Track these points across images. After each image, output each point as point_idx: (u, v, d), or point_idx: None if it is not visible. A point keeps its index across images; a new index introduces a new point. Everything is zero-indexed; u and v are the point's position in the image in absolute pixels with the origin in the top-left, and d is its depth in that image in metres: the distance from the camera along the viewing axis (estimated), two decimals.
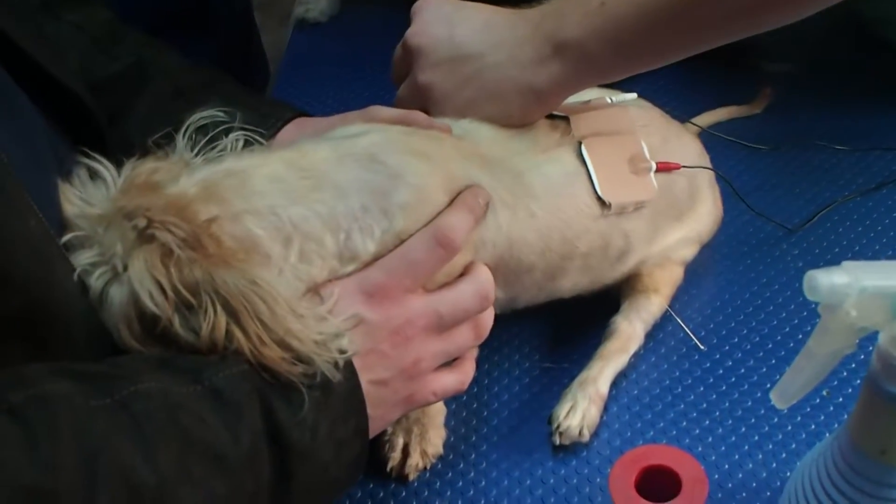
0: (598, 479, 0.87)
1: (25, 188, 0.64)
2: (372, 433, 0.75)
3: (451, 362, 0.81)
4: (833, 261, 1.03)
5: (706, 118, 1.20)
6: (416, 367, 0.76)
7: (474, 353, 0.84)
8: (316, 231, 0.74)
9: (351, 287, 0.75)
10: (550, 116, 0.92)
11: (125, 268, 0.68)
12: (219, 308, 0.67)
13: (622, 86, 1.01)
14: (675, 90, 1.28)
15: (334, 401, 0.70)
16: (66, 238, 0.70)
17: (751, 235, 1.08)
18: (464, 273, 0.80)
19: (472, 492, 0.87)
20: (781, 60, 1.30)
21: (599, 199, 0.88)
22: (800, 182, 1.14)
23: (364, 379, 0.73)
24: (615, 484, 0.76)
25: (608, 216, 0.89)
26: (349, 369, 0.72)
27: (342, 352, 0.70)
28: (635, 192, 0.90)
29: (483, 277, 0.80)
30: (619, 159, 0.91)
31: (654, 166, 0.92)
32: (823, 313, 0.61)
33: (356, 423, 0.72)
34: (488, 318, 0.81)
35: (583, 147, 0.88)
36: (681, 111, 1.20)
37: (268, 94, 1.40)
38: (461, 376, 0.81)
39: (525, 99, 0.88)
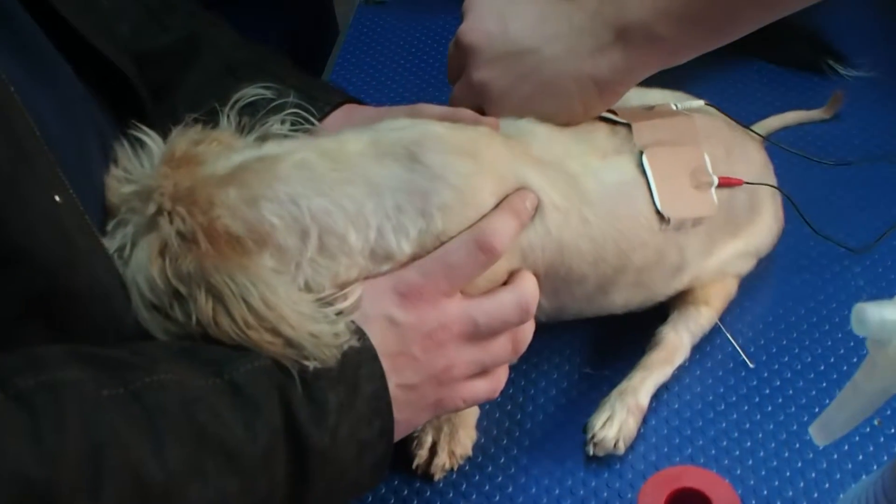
0: (630, 495, 0.84)
1: (58, 161, 0.63)
2: (398, 436, 0.73)
3: None
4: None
5: (773, 122, 1.16)
6: (446, 374, 0.74)
7: None
8: (337, 226, 0.72)
9: (384, 286, 0.73)
10: (611, 121, 0.88)
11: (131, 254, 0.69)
12: (204, 293, 0.66)
13: (689, 90, 0.97)
14: (742, 92, 1.24)
15: (359, 402, 0.68)
16: (110, 224, 0.71)
17: (811, 249, 1.04)
18: (508, 281, 0.78)
19: (498, 497, 0.85)
20: (858, 66, 1.25)
21: (658, 212, 0.84)
22: (867, 198, 1.09)
23: (392, 382, 0.71)
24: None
25: (666, 230, 0.85)
26: (377, 371, 0.70)
27: (359, 353, 0.69)
28: (695, 208, 0.87)
29: (527, 288, 0.77)
30: (680, 172, 0.87)
31: (716, 181, 0.88)
32: (872, 348, 0.58)
33: (381, 425, 0.70)
34: (528, 331, 0.79)
35: (644, 157, 0.85)
36: (748, 113, 1.16)
37: (327, 69, 1.37)
38: (493, 384, 0.79)
39: (586, 91, 0.85)
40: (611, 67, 0.84)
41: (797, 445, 0.86)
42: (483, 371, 0.78)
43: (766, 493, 0.83)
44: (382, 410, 0.70)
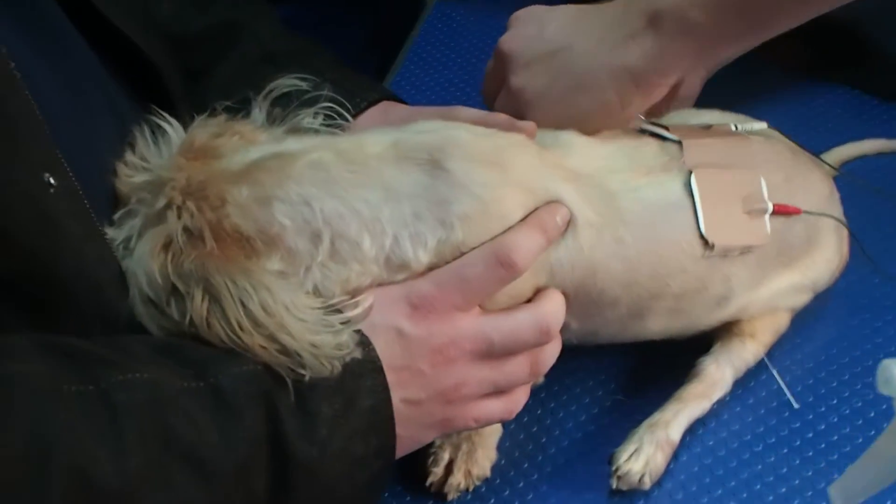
0: None
1: (59, 143, 0.61)
2: (400, 453, 0.70)
3: None
4: None
5: (849, 150, 1.09)
6: (455, 392, 0.71)
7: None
8: (351, 231, 0.69)
9: (396, 296, 0.70)
10: (661, 138, 0.84)
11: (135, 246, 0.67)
12: (201, 293, 0.63)
13: (766, 110, 0.92)
14: (822, 116, 1.16)
15: (355, 415, 0.65)
16: (119, 213, 0.69)
17: (874, 289, 0.97)
18: (533, 299, 0.74)
19: None
20: None
21: (702, 237, 0.79)
22: None
23: (396, 396, 0.67)
24: None
25: (709, 258, 0.80)
26: (379, 384, 0.67)
27: (343, 357, 0.66)
28: (744, 236, 0.81)
29: (548, 308, 0.73)
30: (731, 196, 0.82)
31: (770, 208, 0.83)
32: None
33: (379, 441, 0.67)
34: (550, 353, 0.75)
35: (692, 177, 0.80)
36: (825, 139, 1.10)
37: (396, 64, 1.34)
38: (509, 405, 0.75)
39: (620, 82, 0.82)
40: (642, 55, 0.81)
41: None
42: (498, 391, 0.74)
43: None
44: (381, 426, 0.67)
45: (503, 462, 0.85)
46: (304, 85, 0.78)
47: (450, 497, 0.82)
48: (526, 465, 0.85)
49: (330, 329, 0.65)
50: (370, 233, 0.69)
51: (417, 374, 0.69)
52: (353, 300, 0.69)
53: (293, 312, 0.64)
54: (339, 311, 0.68)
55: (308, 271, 0.69)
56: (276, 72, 0.80)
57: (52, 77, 0.65)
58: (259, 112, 0.77)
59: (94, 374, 0.57)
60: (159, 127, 0.72)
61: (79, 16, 0.71)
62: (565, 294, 0.76)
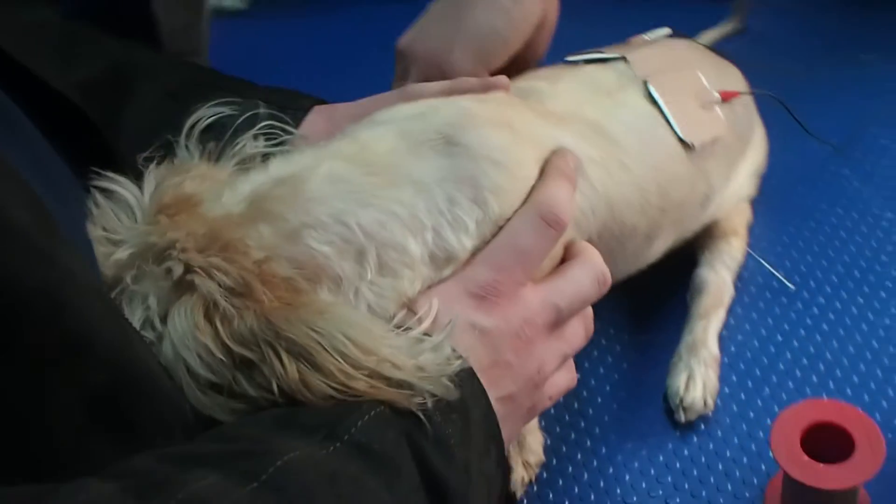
0: (728, 453, 0.77)
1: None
2: None
3: None
4: (888, 176, 0.97)
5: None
6: (540, 375, 0.64)
7: None
8: (395, 237, 0.60)
9: (455, 291, 0.62)
10: (599, 61, 0.81)
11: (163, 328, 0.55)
12: (284, 354, 0.54)
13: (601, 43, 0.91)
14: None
15: (474, 431, 0.58)
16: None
17: (793, 162, 0.99)
18: (566, 255, 0.68)
19: (593, 496, 0.76)
20: None
21: (680, 140, 0.77)
22: (833, 98, 1.06)
23: (492, 397, 0.60)
24: (777, 446, 0.67)
25: (691, 158, 0.78)
26: (478, 390, 0.59)
27: (456, 373, 0.57)
28: (710, 128, 0.80)
29: (596, 258, 0.67)
30: (685, 96, 0.81)
31: (718, 98, 0.82)
32: None
33: (496, 452, 0.60)
34: (591, 309, 0.70)
35: (650, 87, 0.78)
36: None
37: None
38: (571, 373, 0.69)
39: None
40: None
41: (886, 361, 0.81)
42: (563, 361, 0.68)
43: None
44: (494, 434, 0.60)
45: (549, 442, 0.79)
46: (227, 111, 0.69)
47: (518, 494, 0.76)
48: (574, 436, 0.80)
49: (428, 347, 0.57)
50: (412, 233, 0.61)
51: (506, 367, 0.62)
52: (417, 315, 0.60)
53: (385, 342, 0.56)
54: (409, 329, 0.60)
55: (357, 295, 0.60)
56: (188, 105, 0.69)
57: (22, 158, 0.52)
58: (188, 153, 0.66)
59: (248, 470, 0.47)
60: (107, 191, 0.61)
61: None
62: (590, 241, 0.71)
